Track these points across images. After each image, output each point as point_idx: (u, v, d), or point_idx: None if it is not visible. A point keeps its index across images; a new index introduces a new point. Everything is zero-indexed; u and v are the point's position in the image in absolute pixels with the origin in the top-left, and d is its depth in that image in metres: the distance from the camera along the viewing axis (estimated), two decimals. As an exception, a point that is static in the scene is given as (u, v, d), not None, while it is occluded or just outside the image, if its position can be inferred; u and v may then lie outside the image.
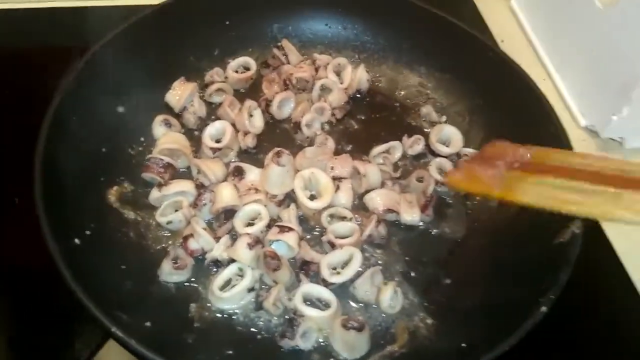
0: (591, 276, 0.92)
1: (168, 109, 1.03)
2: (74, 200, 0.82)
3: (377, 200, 0.91)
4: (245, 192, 0.90)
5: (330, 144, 1.00)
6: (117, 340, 0.68)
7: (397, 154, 1.01)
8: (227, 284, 0.83)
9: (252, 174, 0.93)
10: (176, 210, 0.89)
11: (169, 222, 0.88)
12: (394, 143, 1.00)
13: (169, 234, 0.89)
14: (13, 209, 0.94)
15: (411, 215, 0.91)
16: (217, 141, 0.97)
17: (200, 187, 0.92)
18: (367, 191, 0.93)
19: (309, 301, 0.81)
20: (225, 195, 0.88)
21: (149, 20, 1.01)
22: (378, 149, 0.99)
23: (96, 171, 0.90)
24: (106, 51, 0.94)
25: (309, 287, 0.82)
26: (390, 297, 0.82)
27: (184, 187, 0.91)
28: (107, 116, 0.95)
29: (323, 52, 1.15)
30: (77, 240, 0.78)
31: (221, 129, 0.99)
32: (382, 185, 0.95)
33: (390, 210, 0.90)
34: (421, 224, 0.92)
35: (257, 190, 0.91)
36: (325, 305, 0.81)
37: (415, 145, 1.02)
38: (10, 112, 1.07)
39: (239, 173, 0.93)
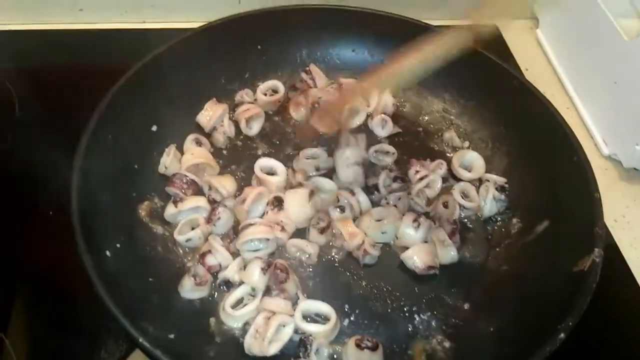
0: (611, 304, 0.91)
1: (199, 129, 1.07)
2: (106, 214, 0.86)
3: (416, 259, 0.89)
4: (271, 225, 0.91)
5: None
6: (144, 351, 0.70)
7: (437, 186, 1.00)
8: (239, 302, 0.85)
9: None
10: (193, 228, 0.92)
11: (187, 240, 0.90)
12: (433, 177, 1.00)
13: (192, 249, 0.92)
14: (48, 221, 0.98)
15: (450, 256, 0.91)
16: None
17: (212, 202, 0.95)
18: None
19: (309, 317, 0.83)
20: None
21: (187, 42, 1.05)
22: (419, 186, 0.99)
23: (128, 187, 0.94)
24: (144, 72, 0.99)
25: (306, 304, 0.84)
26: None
27: (198, 202, 0.94)
28: (141, 134, 0.99)
29: (349, 77, 1.17)
30: (108, 253, 0.82)
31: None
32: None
33: (431, 268, 0.89)
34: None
35: (282, 229, 0.91)
36: (325, 319, 0.83)
37: (438, 169, 1.03)
38: (51, 128, 1.11)
39: (278, 204, 0.94)
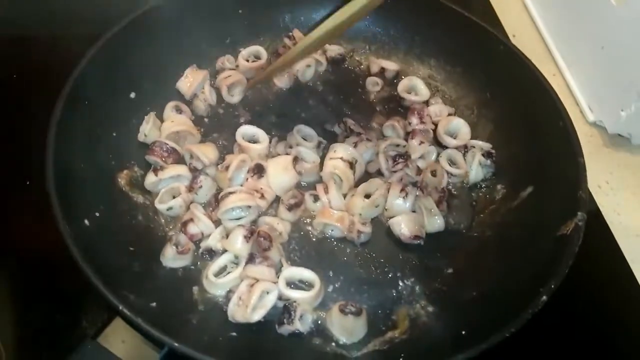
0: (593, 268, 0.92)
1: (179, 96, 1.04)
2: (84, 182, 0.84)
3: (403, 227, 0.89)
4: (251, 193, 0.90)
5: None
6: (125, 319, 0.69)
7: (432, 158, 0.99)
8: (222, 270, 0.84)
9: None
10: (174, 197, 0.90)
11: (169, 209, 0.89)
12: (430, 148, 0.99)
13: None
14: (24, 190, 0.96)
15: (437, 225, 0.90)
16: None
17: (194, 170, 0.93)
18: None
19: (292, 284, 0.83)
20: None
21: (163, 7, 1.01)
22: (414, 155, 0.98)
23: (107, 155, 0.91)
24: (119, 37, 0.96)
25: (290, 271, 0.83)
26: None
27: (179, 171, 0.92)
28: (119, 101, 0.96)
29: (333, 43, 1.15)
30: (86, 222, 0.80)
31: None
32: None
33: (417, 237, 0.89)
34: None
35: (262, 197, 0.90)
36: (309, 286, 0.83)
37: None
38: (23, 96, 1.09)
39: (258, 171, 0.92)
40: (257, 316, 0.78)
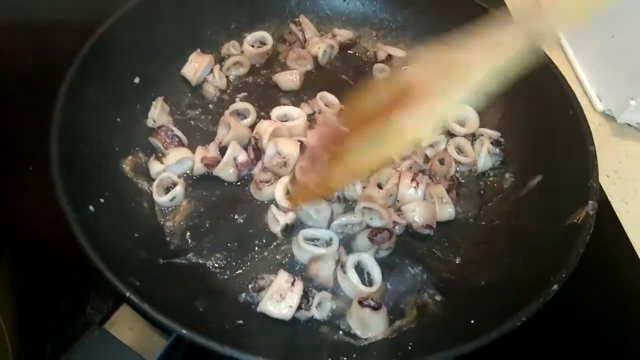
0: (602, 257, 0.91)
1: (184, 81, 1.03)
2: (89, 168, 0.83)
3: (417, 215, 0.88)
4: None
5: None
6: (132, 306, 0.69)
7: (442, 147, 0.98)
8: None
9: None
10: (167, 188, 0.89)
11: (172, 199, 0.88)
12: (439, 137, 0.98)
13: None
14: (28, 176, 0.95)
15: (447, 213, 0.90)
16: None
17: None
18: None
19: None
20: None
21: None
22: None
23: (111, 141, 0.90)
24: (122, 23, 0.94)
25: (306, 231, 0.84)
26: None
27: (182, 154, 0.91)
28: (123, 87, 0.95)
29: (340, 28, 1.13)
30: (91, 208, 0.79)
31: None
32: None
33: (429, 227, 0.88)
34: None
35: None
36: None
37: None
38: (27, 82, 1.07)
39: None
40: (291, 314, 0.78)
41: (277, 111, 0.98)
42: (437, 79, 0.64)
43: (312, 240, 0.85)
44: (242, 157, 0.91)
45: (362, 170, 0.77)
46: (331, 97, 1.02)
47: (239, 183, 0.92)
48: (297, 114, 0.98)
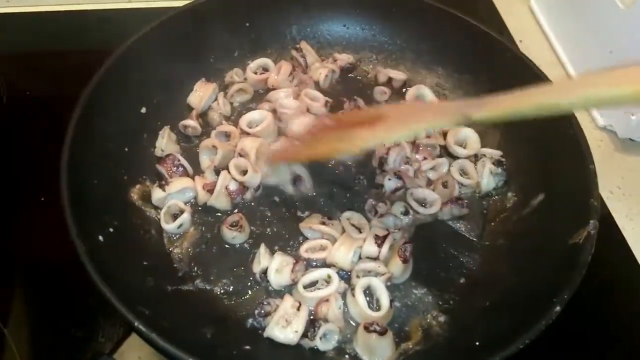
0: (607, 274, 0.92)
1: (189, 110, 1.05)
2: (98, 198, 0.85)
3: None
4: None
5: None
6: (140, 334, 0.69)
7: (444, 170, 0.99)
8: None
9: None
10: (174, 215, 0.91)
11: (180, 226, 0.90)
12: (442, 160, 0.99)
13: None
14: (39, 206, 0.97)
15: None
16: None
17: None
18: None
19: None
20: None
21: (171, 22, 1.03)
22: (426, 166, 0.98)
23: (119, 170, 0.92)
24: (129, 54, 0.97)
25: (303, 279, 0.84)
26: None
27: (184, 184, 0.93)
28: (130, 117, 0.97)
29: (341, 53, 1.16)
30: (101, 238, 0.80)
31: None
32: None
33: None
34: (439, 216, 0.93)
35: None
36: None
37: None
38: (38, 112, 1.10)
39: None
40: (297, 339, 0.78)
41: (244, 119, 1.01)
42: (399, 118, 0.78)
43: (311, 285, 0.85)
44: (233, 185, 0.93)
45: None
46: (316, 93, 1.06)
47: (235, 210, 0.94)
48: (260, 117, 1.01)
